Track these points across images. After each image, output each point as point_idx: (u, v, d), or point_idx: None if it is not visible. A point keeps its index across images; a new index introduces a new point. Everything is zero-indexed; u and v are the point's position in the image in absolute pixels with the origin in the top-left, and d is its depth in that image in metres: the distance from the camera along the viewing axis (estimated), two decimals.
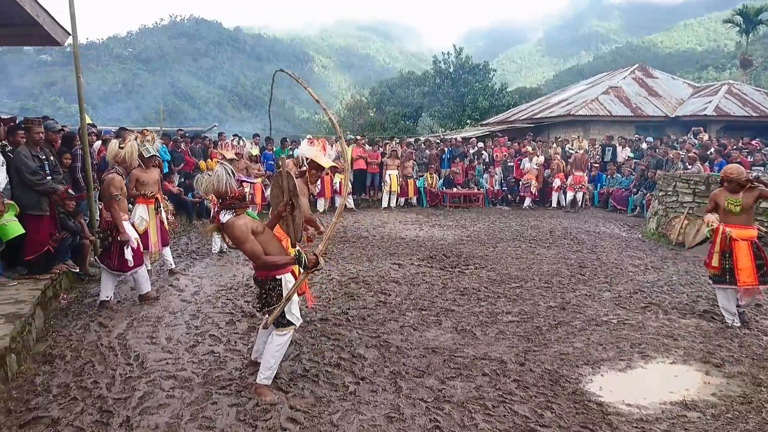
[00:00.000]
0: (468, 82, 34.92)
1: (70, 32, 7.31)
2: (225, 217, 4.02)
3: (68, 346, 5.11)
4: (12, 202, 6.01)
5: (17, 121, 7.43)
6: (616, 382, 4.50)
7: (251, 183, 5.70)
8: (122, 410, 3.88)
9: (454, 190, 16.16)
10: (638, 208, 14.46)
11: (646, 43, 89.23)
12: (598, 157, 17.37)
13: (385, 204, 15.57)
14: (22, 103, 43.82)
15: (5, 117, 7.83)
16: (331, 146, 15.12)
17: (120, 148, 6.37)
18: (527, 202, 15.82)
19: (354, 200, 15.48)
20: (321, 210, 14.45)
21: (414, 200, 16.05)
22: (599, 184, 16.56)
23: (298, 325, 4.24)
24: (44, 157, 6.38)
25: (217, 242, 9.03)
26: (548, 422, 3.81)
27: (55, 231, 6.61)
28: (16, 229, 5.94)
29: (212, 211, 7.29)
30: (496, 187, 16.64)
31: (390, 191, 15.50)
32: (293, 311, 4.17)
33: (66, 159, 7.44)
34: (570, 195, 15.53)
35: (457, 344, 5.24)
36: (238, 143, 13.94)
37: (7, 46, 19.33)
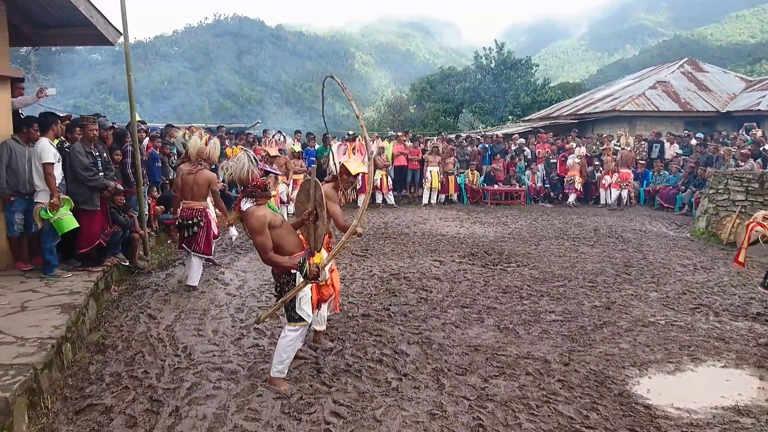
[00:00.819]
0: (510, 78, 34.50)
1: (122, 32, 7.53)
2: (245, 205, 4.01)
3: (120, 336, 5.29)
4: (67, 197, 6.24)
5: (72, 119, 7.69)
6: (664, 385, 4.40)
7: (276, 174, 5.71)
8: (171, 400, 3.99)
9: (495, 187, 16.00)
10: (686, 206, 14.04)
11: (696, 36, 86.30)
12: (644, 153, 16.92)
13: (425, 201, 15.53)
14: (74, 100, 45.36)
15: (62, 114, 8.11)
16: (373, 141, 15.16)
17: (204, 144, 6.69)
18: (571, 198, 15.55)
19: (394, 197, 15.49)
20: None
21: (455, 197, 15.97)
22: (645, 182, 16.15)
23: (309, 321, 4.22)
24: (97, 153, 6.59)
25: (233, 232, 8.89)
26: (594, 424, 3.75)
27: (107, 225, 6.85)
28: (70, 223, 6.16)
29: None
30: (539, 184, 16.38)
31: (431, 188, 15.46)
32: (304, 308, 4.13)
33: (117, 155, 7.67)
34: (615, 192, 15.18)
35: (499, 342, 5.20)
36: (280, 140, 14.13)
37: (63, 46, 20.03)
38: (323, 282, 4.37)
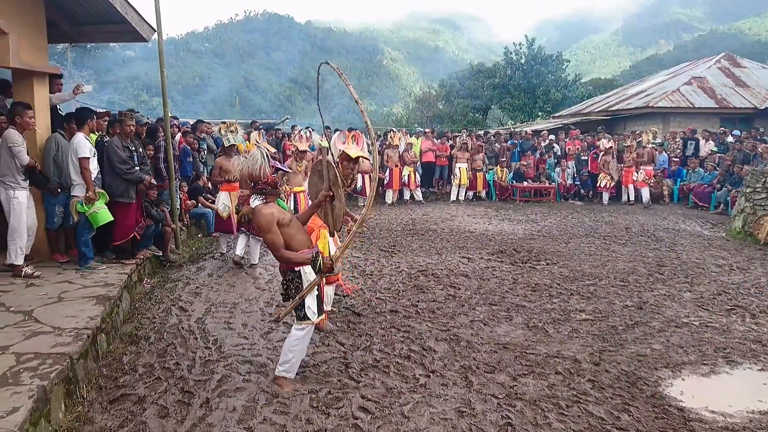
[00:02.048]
0: (540, 74, 34.03)
1: (155, 29, 7.65)
2: (254, 202, 3.99)
3: (152, 328, 5.39)
4: (102, 191, 6.38)
5: (110, 114, 7.86)
6: (698, 387, 4.31)
7: (286, 171, 5.68)
8: (202, 391, 4.06)
9: (525, 184, 15.85)
10: (722, 205, 13.68)
11: (733, 30, 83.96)
12: (678, 151, 16.56)
13: (453, 197, 15.46)
14: (108, 96, 46.30)
15: (99, 110, 8.29)
16: (400, 139, 15.15)
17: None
18: (605, 197, 15.30)
19: (422, 193, 15.46)
20: (389, 202, 14.54)
21: (483, 194, 15.86)
22: (679, 180, 15.81)
23: (315, 321, 4.15)
24: (133, 148, 6.73)
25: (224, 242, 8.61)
26: (625, 425, 3.69)
27: (141, 218, 6.98)
28: (105, 216, 6.30)
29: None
30: (569, 182, 16.16)
31: (459, 184, 15.38)
32: (311, 306, 4.08)
33: (149, 150, 7.80)
34: (644, 191, 14.89)
35: (528, 341, 5.16)
36: (309, 135, 14.18)
37: (99, 42, 20.44)
38: (337, 274, 4.33)
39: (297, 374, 4.35)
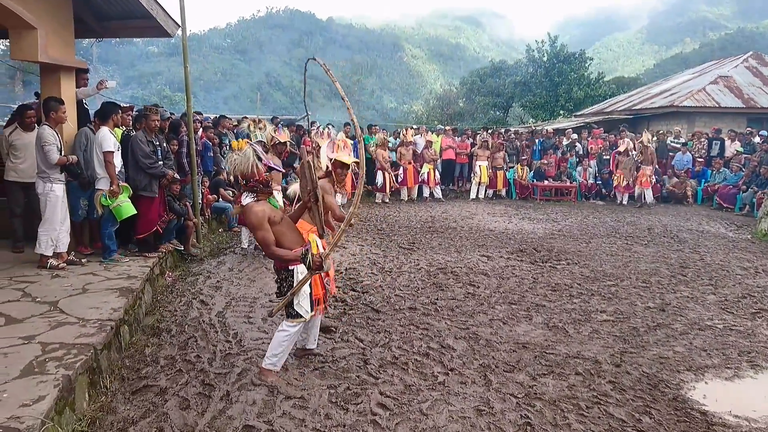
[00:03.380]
0: (562, 72, 33.67)
1: (180, 24, 7.72)
2: (246, 199, 3.99)
3: (173, 320, 5.45)
4: (126, 184, 6.47)
5: (134, 109, 7.96)
6: (721, 391, 4.24)
7: (279, 171, 5.72)
8: (222, 384, 4.09)
9: (545, 182, 15.72)
10: (747, 206, 13.45)
11: (762, 29, 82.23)
12: (703, 151, 16.29)
13: (473, 195, 15.40)
14: (132, 91, 46.90)
15: (124, 105, 8.40)
16: (421, 136, 15.13)
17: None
18: (624, 198, 15.08)
19: (441, 190, 15.43)
20: (406, 199, 14.55)
21: (503, 192, 15.77)
22: (703, 180, 15.56)
23: (307, 318, 4.15)
24: (157, 143, 6.81)
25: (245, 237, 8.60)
26: (647, 428, 3.65)
27: (164, 212, 7.06)
28: (128, 209, 6.38)
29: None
30: (590, 181, 16.00)
31: (479, 182, 15.31)
32: (302, 304, 4.09)
33: (173, 145, 7.89)
34: (646, 191, 14.64)
35: (548, 341, 5.12)
36: (329, 132, 14.23)
37: (125, 37, 20.75)
38: (326, 272, 4.33)
39: (315, 369, 4.38)
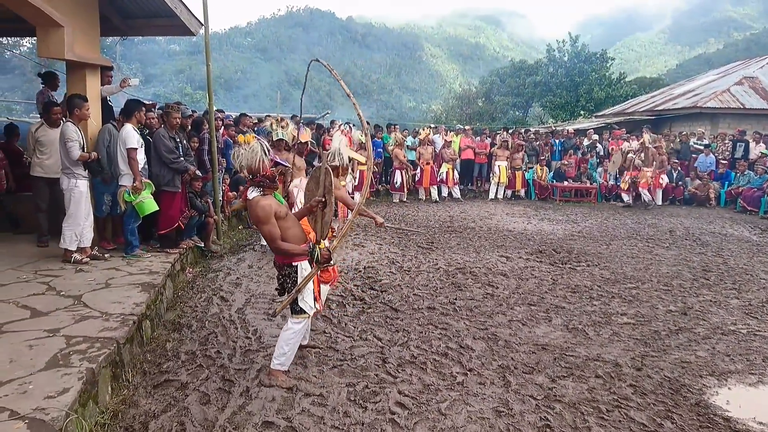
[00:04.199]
0: (583, 72, 33.39)
1: (203, 23, 7.79)
2: (252, 194, 3.98)
3: (194, 316, 5.51)
4: (149, 181, 6.54)
5: (156, 107, 8.05)
6: (745, 397, 4.17)
7: (285, 166, 5.76)
8: (242, 380, 4.13)
9: (565, 183, 15.59)
10: None
11: None
12: (727, 153, 16.04)
13: (492, 195, 15.34)
14: (154, 89, 47.46)
15: (147, 102, 8.50)
16: (440, 135, 15.10)
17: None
18: (627, 198, 14.84)
19: (460, 190, 15.39)
20: (423, 199, 14.54)
21: (522, 193, 15.68)
22: (727, 183, 15.32)
23: (311, 314, 4.15)
24: (179, 139, 6.88)
25: None
26: None
27: (186, 208, 7.13)
28: (151, 205, 6.45)
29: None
30: (611, 182, 15.83)
31: (498, 182, 15.24)
32: (307, 300, 4.07)
33: (194, 143, 7.97)
34: (643, 192, 14.42)
35: (568, 343, 5.08)
36: (348, 130, 14.26)
37: (149, 36, 21.01)
38: (332, 266, 4.32)
39: (334, 367, 4.39)
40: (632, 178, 14.58)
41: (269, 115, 9.04)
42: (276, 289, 4.33)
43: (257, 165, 3.90)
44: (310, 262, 4.06)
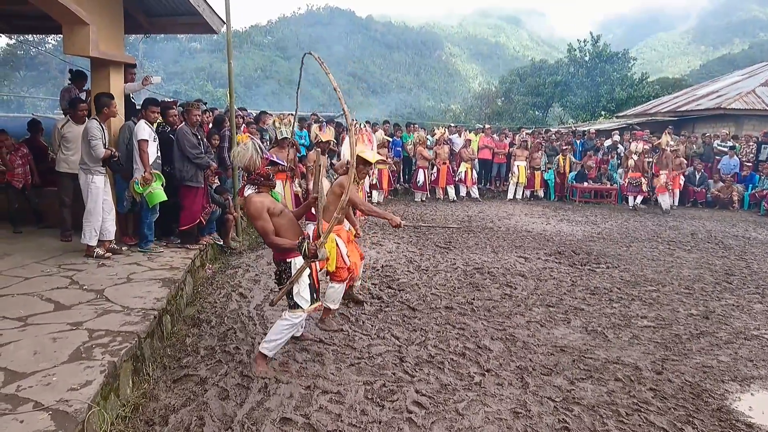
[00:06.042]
0: (604, 72, 33.09)
1: (225, 21, 7.85)
2: (248, 191, 4.08)
3: (213, 312, 5.56)
4: (158, 172, 6.56)
5: (178, 104, 8.14)
6: None
7: (282, 165, 5.81)
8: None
9: (585, 184, 15.45)
10: None
11: None
12: (751, 155, 15.77)
13: (510, 195, 15.27)
14: (175, 86, 47.88)
15: (168, 100, 8.59)
16: (459, 135, 15.06)
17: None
18: (636, 201, 14.65)
19: (478, 190, 15.33)
20: (441, 199, 14.52)
21: (540, 193, 15.58)
22: (751, 185, 15.06)
23: (306, 308, 4.18)
24: (199, 136, 6.94)
25: None
26: None
27: (207, 204, 7.20)
28: (160, 195, 6.47)
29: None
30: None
31: (517, 182, 15.16)
32: (302, 294, 4.15)
33: (215, 140, 8.03)
34: (661, 197, 14.22)
35: (587, 345, 5.04)
36: (367, 129, 14.27)
37: (172, 34, 21.23)
38: (321, 260, 4.35)
39: (351, 365, 4.40)
40: (631, 179, 14.45)
41: (266, 112, 9.14)
42: (275, 281, 4.48)
43: (251, 163, 4.04)
44: (302, 255, 4.12)
